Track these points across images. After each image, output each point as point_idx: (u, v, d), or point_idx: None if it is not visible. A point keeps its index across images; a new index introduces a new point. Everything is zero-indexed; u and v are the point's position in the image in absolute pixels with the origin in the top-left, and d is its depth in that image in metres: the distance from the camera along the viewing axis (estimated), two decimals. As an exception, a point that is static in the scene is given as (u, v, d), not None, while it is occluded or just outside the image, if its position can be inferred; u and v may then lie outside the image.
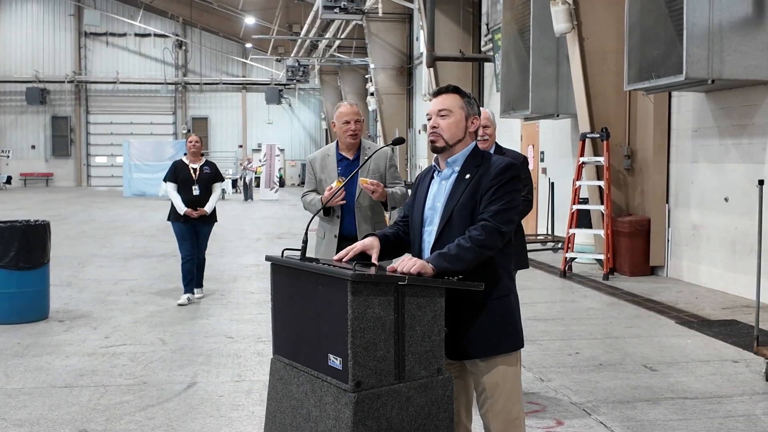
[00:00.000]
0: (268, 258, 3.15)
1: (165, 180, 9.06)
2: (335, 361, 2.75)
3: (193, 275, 9.04)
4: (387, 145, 4.14)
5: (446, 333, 2.99)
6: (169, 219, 9.02)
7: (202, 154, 9.15)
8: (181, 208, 8.77)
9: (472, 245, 3.04)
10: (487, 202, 3.15)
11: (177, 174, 8.95)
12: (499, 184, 3.16)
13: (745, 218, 9.33)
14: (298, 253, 3.15)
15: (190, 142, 9.15)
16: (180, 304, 8.83)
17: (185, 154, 9.19)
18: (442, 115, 3.31)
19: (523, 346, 3.31)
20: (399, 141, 3.81)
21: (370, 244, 3.29)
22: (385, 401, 2.73)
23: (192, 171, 8.98)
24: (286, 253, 3.16)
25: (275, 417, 3.08)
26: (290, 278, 3.03)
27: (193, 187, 8.89)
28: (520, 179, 3.23)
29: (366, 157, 5.16)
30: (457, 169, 3.29)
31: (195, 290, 9.11)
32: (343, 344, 2.70)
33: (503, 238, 3.13)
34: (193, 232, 8.97)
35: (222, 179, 9.41)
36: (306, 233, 3.24)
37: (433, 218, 3.28)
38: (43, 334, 7.45)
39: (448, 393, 2.90)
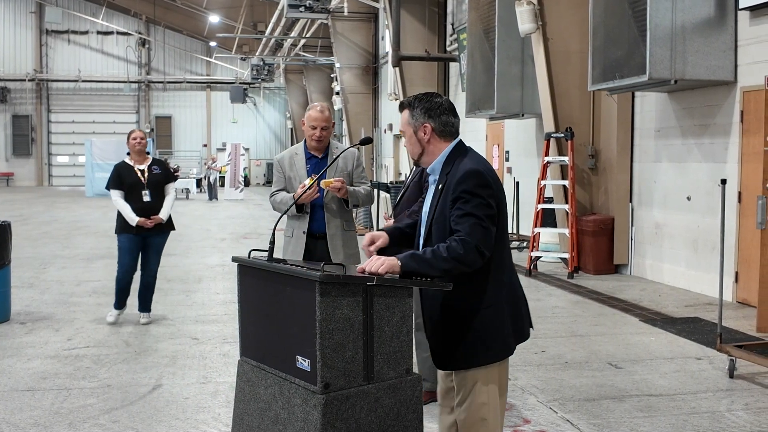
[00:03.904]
0: (234, 259, 3.12)
1: (108, 188, 7.69)
2: (303, 363, 2.73)
3: (128, 291, 7.87)
4: (354, 145, 4.16)
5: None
6: (116, 232, 7.71)
7: (147, 153, 7.89)
8: (133, 219, 7.50)
9: (449, 257, 2.93)
10: (456, 216, 3.04)
11: (122, 179, 7.61)
12: (457, 197, 3.05)
13: (707, 217, 9.45)
14: (266, 253, 3.13)
15: (135, 138, 7.71)
16: (110, 323, 7.79)
17: (128, 154, 7.78)
18: (404, 136, 3.32)
19: (501, 359, 3.18)
20: (366, 141, 3.80)
21: (379, 234, 3.29)
22: (353, 402, 2.72)
23: (139, 173, 7.65)
24: (253, 254, 3.14)
25: (243, 419, 3.05)
26: (257, 279, 3.00)
27: (144, 193, 7.57)
28: (483, 186, 3.06)
29: (334, 157, 5.21)
30: (436, 178, 3.25)
31: (141, 314, 7.94)
32: (311, 345, 2.68)
33: (482, 258, 3.00)
34: (143, 244, 7.74)
35: (174, 179, 8.07)
36: (273, 234, 3.22)
37: (423, 225, 3.27)
38: (5, 336, 7.32)
39: (416, 394, 2.89)
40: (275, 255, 3.17)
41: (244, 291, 3.11)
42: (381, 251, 3.22)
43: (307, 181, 5.05)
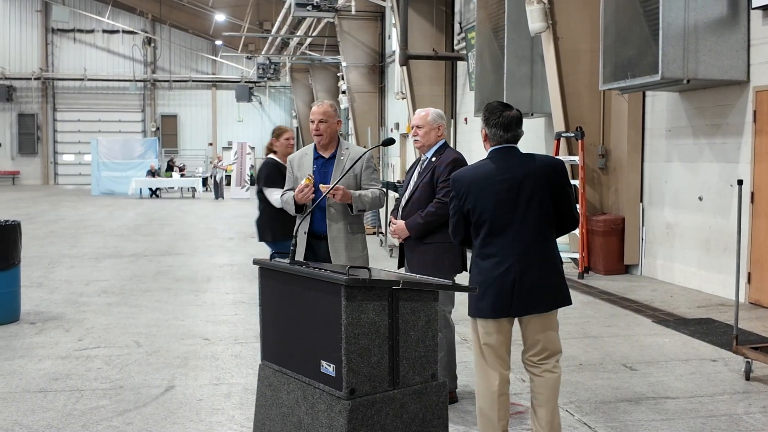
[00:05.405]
0: (256, 262, 3.08)
1: (265, 185, 6.88)
2: (328, 368, 2.69)
3: None
4: (375, 147, 4.14)
5: None
6: (270, 240, 7.04)
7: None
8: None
9: None
10: None
11: (283, 178, 6.07)
12: None
13: (719, 217, 9.39)
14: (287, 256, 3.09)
15: (288, 139, 6.98)
16: None
17: (274, 152, 6.98)
18: None
19: (470, 314, 4.09)
20: (389, 142, 3.77)
21: None
22: (379, 408, 2.68)
23: None
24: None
25: (264, 424, 3.01)
26: (279, 283, 2.96)
27: None
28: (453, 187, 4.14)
29: (342, 157, 5.19)
30: None
31: None
32: (336, 350, 2.64)
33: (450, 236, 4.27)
34: None
35: None
36: (295, 237, 3.18)
37: None
38: (15, 336, 7.29)
39: (442, 399, 2.85)
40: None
41: (265, 294, 3.07)
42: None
43: (303, 182, 5.05)
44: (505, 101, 13.22)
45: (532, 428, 4.20)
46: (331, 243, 5.15)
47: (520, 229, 3.99)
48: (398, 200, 5.49)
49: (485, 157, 4.15)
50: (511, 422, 4.61)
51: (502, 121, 4.06)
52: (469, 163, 4.52)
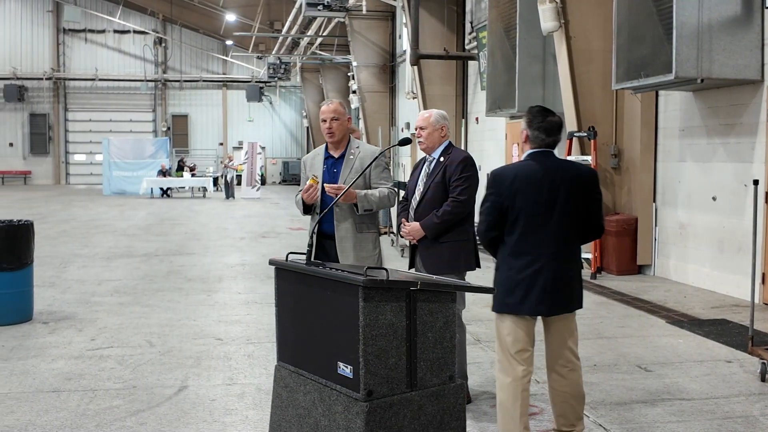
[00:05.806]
0: (272, 262, 3.07)
1: None
2: (345, 369, 2.67)
3: None
4: (391, 147, 4.14)
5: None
6: None
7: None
8: None
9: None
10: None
11: None
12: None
13: (732, 217, 9.33)
14: (300, 255, 3.07)
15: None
16: None
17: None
18: None
19: (495, 310, 4.25)
20: (405, 141, 3.75)
21: None
22: (397, 410, 2.66)
23: None
24: (291, 257, 3.08)
25: (280, 426, 2.99)
26: (296, 283, 2.95)
27: None
28: (488, 185, 4.22)
29: (351, 156, 5.17)
30: None
31: None
32: (354, 352, 2.62)
33: (479, 234, 4.37)
34: None
35: None
36: (311, 236, 3.16)
37: None
38: (28, 336, 7.30)
39: (459, 401, 2.83)
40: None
41: (281, 294, 3.05)
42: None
43: (309, 182, 5.06)
44: (517, 100, 13.20)
45: (554, 421, 4.42)
46: (339, 243, 5.11)
47: (554, 230, 4.15)
48: (403, 202, 5.46)
49: (524, 158, 4.30)
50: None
51: (546, 126, 4.21)
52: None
